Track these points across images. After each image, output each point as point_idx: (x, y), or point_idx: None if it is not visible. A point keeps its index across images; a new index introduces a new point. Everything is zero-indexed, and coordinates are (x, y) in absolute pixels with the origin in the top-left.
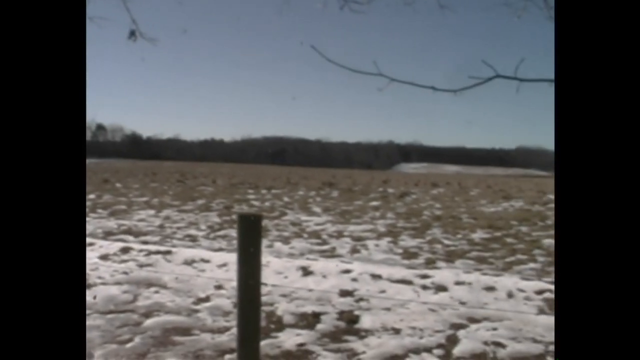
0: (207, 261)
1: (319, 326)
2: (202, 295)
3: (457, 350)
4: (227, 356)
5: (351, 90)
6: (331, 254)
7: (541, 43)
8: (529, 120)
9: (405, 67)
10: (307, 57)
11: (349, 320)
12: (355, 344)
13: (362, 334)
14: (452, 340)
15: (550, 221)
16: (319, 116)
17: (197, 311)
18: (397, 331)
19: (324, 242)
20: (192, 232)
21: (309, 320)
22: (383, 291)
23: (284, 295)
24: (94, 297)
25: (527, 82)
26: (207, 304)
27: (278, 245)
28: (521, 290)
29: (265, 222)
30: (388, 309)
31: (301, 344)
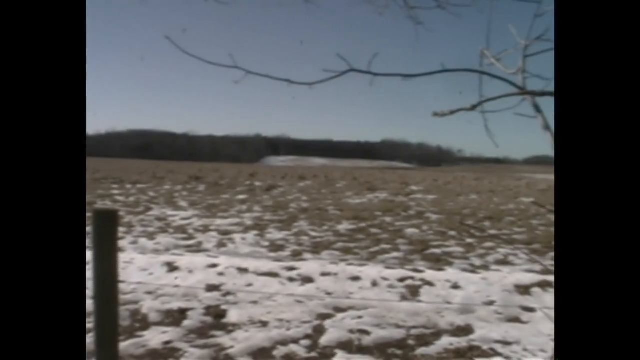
0: None
1: (186, 322)
2: None
3: (323, 340)
4: None
5: (219, 83)
6: (197, 249)
7: (399, 39)
8: (393, 114)
9: (265, 60)
10: (172, 50)
11: (216, 315)
12: (223, 339)
13: (229, 329)
14: (319, 331)
15: (413, 211)
16: (186, 110)
17: None
18: (264, 324)
19: (190, 237)
20: None
21: (175, 317)
22: (250, 285)
23: (149, 293)
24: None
25: (380, 76)
26: None
27: (143, 241)
28: (385, 279)
29: (129, 218)
30: (255, 302)
31: (167, 342)
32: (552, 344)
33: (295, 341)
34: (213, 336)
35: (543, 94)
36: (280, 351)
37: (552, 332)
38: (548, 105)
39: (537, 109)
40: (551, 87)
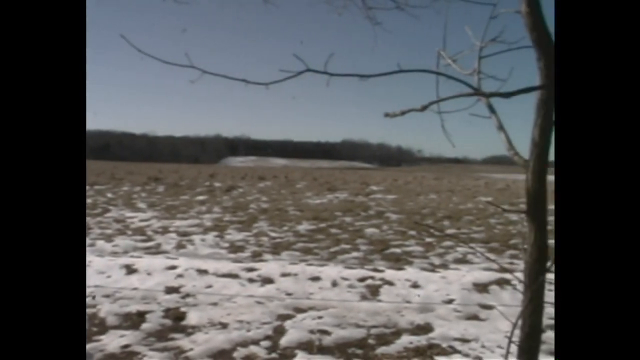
0: None
1: (145, 325)
2: None
3: (284, 341)
4: None
5: (178, 83)
6: (156, 251)
7: (358, 39)
8: (354, 114)
9: (224, 60)
10: (129, 49)
11: (175, 317)
12: (182, 342)
13: (189, 331)
14: (279, 331)
15: (372, 211)
16: (145, 110)
17: None
18: (224, 326)
19: (149, 239)
20: None
21: (134, 320)
22: (209, 286)
23: (107, 296)
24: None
25: (337, 76)
26: None
27: (101, 243)
28: (345, 279)
29: (87, 220)
30: (215, 304)
31: (126, 346)
32: (507, 341)
33: (256, 342)
34: (172, 339)
35: (493, 94)
36: (240, 353)
37: (509, 330)
38: (501, 105)
39: (491, 109)
40: (504, 88)
